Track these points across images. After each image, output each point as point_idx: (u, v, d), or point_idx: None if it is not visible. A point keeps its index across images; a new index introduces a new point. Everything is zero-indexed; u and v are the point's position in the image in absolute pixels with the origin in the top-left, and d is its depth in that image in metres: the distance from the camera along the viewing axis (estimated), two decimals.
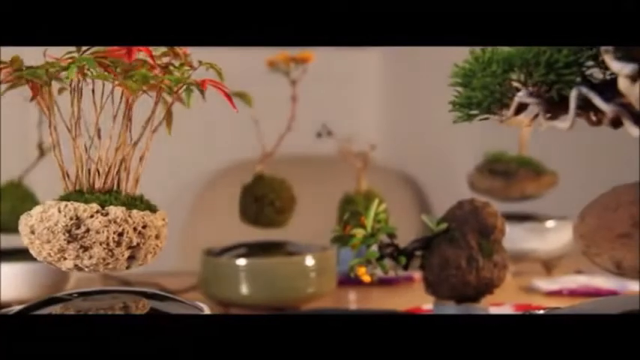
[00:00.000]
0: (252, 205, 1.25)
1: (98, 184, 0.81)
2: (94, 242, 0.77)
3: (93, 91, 0.81)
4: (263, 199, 1.25)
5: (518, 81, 0.75)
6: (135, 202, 0.81)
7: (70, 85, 0.80)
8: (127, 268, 0.80)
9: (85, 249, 0.77)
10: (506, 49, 0.76)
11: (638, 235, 0.66)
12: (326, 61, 2.38)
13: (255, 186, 1.26)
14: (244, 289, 1.18)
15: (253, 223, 1.26)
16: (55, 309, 0.81)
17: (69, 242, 0.77)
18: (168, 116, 0.87)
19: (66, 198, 0.79)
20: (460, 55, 0.79)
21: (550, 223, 1.43)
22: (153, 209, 0.82)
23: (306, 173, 1.94)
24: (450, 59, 0.81)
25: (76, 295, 0.83)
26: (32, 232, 0.77)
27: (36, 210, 0.78)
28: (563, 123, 0.71)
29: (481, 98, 0.76)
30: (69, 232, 0.77)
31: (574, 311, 0.78)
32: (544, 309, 0.85)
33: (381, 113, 2.45)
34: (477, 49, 0.77)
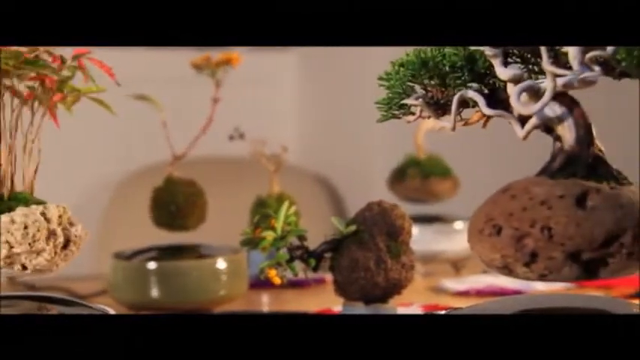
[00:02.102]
0: (164, 208, 1.25)
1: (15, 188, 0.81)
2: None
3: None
4: (174, 202, 1.25)
5: (419, 84, 0.77)
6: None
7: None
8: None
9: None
10: (418, 53, 0.78)
11: (489, 231, 0.69)
12: (241, 63, 2.39)
13: (167, 189, 1.26)
14: (154, 293, 1.18)
15: (165, 225, 1.25)
16: None
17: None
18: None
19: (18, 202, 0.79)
20: (378, 57, 0.80)
21: (458, 225, 1.46)
22: None
23: (220, 176, 1.94)
24: (365, 61, 0.82)
25: None
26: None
27: (54, 212, 0.77)
28: (448, 124, 0.74)
29: (388, 101, 0.78)
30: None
31: (473, 311, 0.80)
32: (448, 309, 0.87)
33: (297, 116, 2.46)
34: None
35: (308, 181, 2.22)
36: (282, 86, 2.45)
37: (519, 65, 0.75)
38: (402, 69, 0.77)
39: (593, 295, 1.04)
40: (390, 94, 0.77)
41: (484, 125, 0.77)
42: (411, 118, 0.79)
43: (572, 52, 0.71)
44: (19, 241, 0.76)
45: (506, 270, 0.71)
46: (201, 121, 1.30)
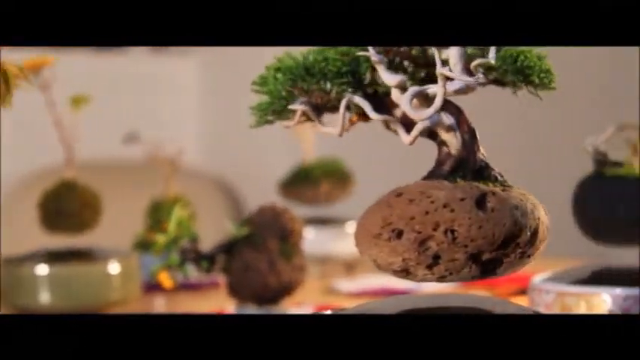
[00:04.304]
0: (56, 212, 1.24)
1: None
2: None
3: None
4: (66, 205, 1.23)
5: (300, 89, 0.78)
6: None
7: None
8: None
9: None
10: (297, 58, 0.79)
11: (387, 235, 0.70)
12: (142, 67, 2.38)
13: (59, 192, 1.25)
14: (45, 298, 1.17)
15: (57, 229, 1.24)
16: None
17: None
18: None
19: None
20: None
21: (350, 226, 1.48)
22: None
23: (117, 179, 1.93)
24: (264, 65, 0.82)
25: None
26: None
27: None
28: (335, 129, 0.75)
29: (267, 105, 0.78)
30: None
31: (358, 311, 0.82)
32: (335, 309, 0.88)
33: (197, 119, 2.46)
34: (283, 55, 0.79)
35: (207, 184, 2.22)
36: (182, 90, 2.45)
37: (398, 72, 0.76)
38: (280, 73, 0.77)
39: (475, 294, 1.07)
40: (269, 99, 0.77)
41: (345, 130, 0.77)
42: (288, 123, 0.79)
43: (453, 58, 0.73)
44: None
45: (405, 273, 0.71)
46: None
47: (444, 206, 0.68)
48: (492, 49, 0.71)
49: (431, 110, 0.71)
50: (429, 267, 0.69)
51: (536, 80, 0.71)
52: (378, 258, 0.71)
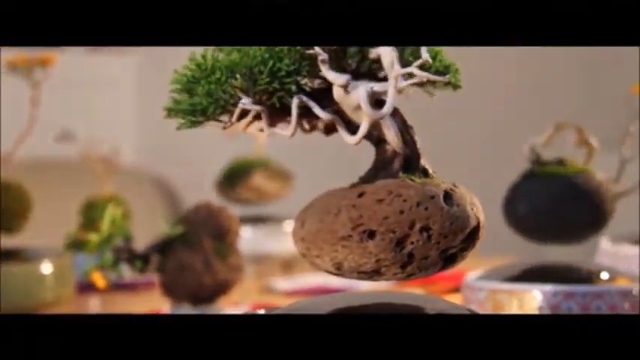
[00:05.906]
0: None
1: None
2: None
3: None
4: None
5: (241, 88, 0.77)
6: None
7: None
8: None
9: None
10: (232, 56, 0.78)
11: (359, 236, 0.69)
12: (79, 65, 2.35)
13: None
14: None
15: None
16: None
17: None
18: None
19: None
20: None
21: (287, 224, 1.48)
22: None
23: (51, 177, 1.90)
24: None
25: None
26: None
27: None
28: (285, 130, 0.74)
29: (205, 105, 0.77)
30: None
31: (290, 310, 0.82)
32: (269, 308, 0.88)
33: (137, 118, 2.44)
34: (198, 55, 0.78)
35: (145, 183, 2.21)
36: (119, 88, 2.43)
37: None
38: (217, 72, 0.76)
39: (410, 292, 1.08)
40: (205, 100, 0.76)
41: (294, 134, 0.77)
42: (223, 124, 0.78)
43: (389, 57, 0.72)
44: None
45: (374, 274, 0.70)
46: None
47: (418, 204, 0.68)
48: (424, 49, 0.71)
49: (386, 109, 0.70)
50: (403, 266, 0.69)
51: (453, 79, 0.72)
52: (346, 260, 0.70)
